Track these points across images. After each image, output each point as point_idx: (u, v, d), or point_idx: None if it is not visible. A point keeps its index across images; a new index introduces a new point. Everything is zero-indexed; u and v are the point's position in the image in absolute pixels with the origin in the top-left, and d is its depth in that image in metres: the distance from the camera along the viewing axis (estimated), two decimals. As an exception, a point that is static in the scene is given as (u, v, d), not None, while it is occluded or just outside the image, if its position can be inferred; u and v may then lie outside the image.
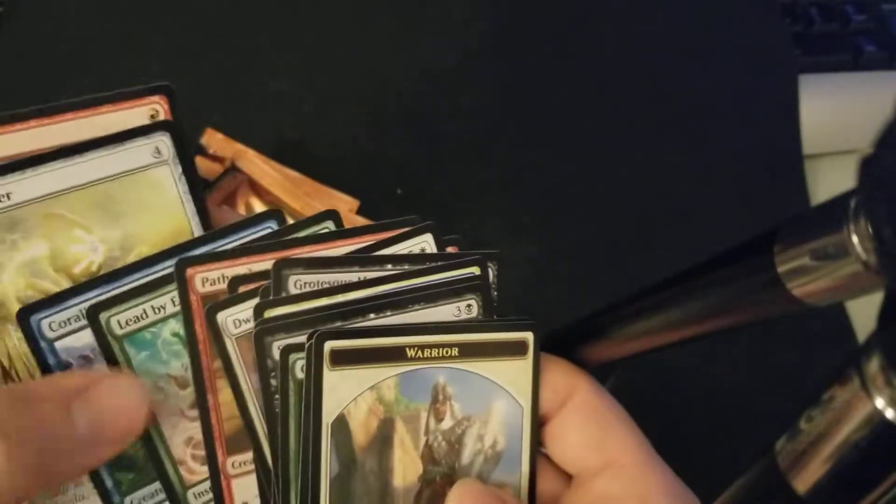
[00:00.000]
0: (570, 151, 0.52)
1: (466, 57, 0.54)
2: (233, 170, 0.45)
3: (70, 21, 0.53)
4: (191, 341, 0.25)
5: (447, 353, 0.26)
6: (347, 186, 0.49)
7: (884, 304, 0.18)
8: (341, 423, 0.25)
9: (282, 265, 0.25)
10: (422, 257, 0.27)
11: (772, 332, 0.47)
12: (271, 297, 0.25)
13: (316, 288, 0.26)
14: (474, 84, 0.53)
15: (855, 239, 0.18)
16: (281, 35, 0.54)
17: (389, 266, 0.27)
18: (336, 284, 0.26)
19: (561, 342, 0.38)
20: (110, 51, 0.52)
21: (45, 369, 0.24)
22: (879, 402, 0.18)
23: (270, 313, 0.25)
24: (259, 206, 0.45)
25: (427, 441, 0.26)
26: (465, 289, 0.27)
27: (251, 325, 0.25)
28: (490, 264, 0.28)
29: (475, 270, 0.27)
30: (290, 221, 0.45)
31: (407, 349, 0.25)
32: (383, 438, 0.26)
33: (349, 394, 0.25)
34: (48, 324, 0.24)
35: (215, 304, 0.25)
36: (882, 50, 0.56)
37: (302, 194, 0.46)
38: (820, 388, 0.19)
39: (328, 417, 0.25)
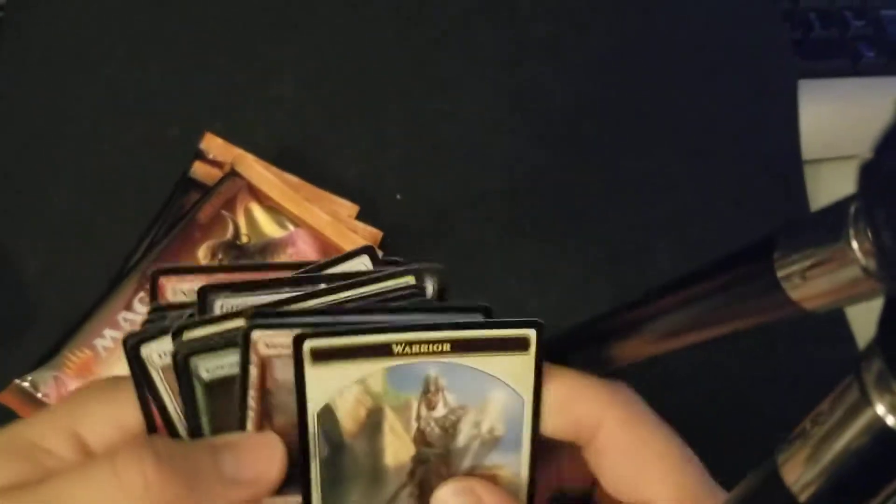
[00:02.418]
0: (570, 157, 0.52)
1: (467, 62, 0.54)
2: (232, 174, 0.45)
3: (69, 28, 0.53)
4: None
5: (438, 348, 0.25)
6: (347, 191, 0.49)
7: (884, 310, 0.18)
8: (328, 413, 0.25)
9: (208, 289, 0.25)
10: (355, 274, 0.27)
11: (771, 337, 0.47)
12: (194, 319, 0.25)
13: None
14: (474, 90, 0.53)
15: (855, 244, 0.18)
16: (281, 40, 0.54)
17: (323, 285, 0.26)
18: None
19: (560, 348, 0.38)
20: (110, 57, 0.52)
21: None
22: (880, 409, 0.17)
23: (189, 335, 0.25)
24: (259, 211, 0.45)
25: (419, 426, 0.26)
26: (398, 298, 0.26)
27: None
28: (429, 277, 0.27)
29: (410, 280, 0.27)
30: (290, 228, 0.45)
31: (393, 345, 0.25)
32: (373, 425, 0.26)
33: (334, 386, 0.25)
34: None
35: (139, 338, 0.25)
36: (881, 55, 0.56)
37: (301, 199, 0.46)
38: (819, 394, 0.19)
39: (314, 407, 0.25)
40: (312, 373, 0.24)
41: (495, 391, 0.26)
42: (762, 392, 0.45)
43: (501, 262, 0.48)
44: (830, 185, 0.53)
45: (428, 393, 0.26)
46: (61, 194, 0.47)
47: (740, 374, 0.46)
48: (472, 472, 0.27)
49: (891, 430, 0.17)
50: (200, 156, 0.47)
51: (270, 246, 0.44)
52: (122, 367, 0.25)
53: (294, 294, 0.26)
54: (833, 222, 0.19)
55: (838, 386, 0.19)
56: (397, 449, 0.26)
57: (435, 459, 0.26)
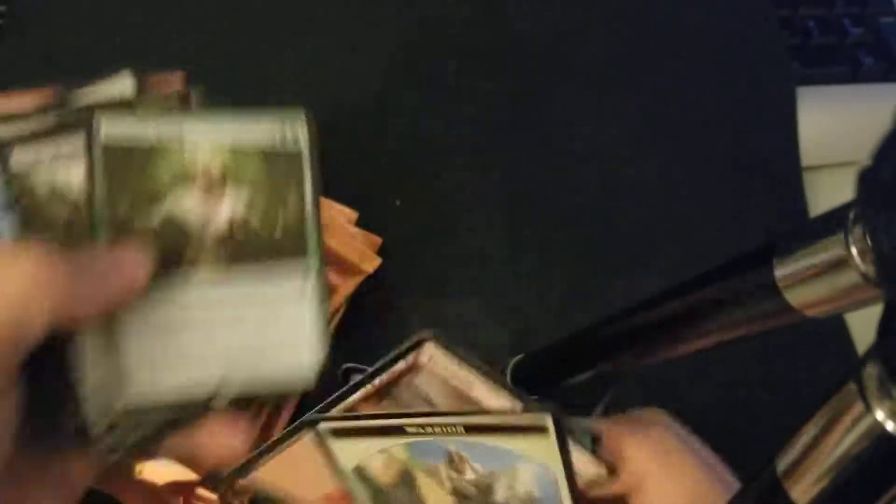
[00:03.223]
0: (569, 162, 0.52)
1: (466, 67, 0.54)
2: None
3: (69, 30, 0.53)
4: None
5: (452, 430, 0.25)
6: (346, 197, 0.49)
7: (883, 316, 0.18)
8: (362, 469, 0.25)
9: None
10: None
11: (770, 343, 0.47)
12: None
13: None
14: (473, 95, 0.53)
15: (854, 250, 0.18)
16: (281, 45, 0.54)
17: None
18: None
19: (559, 355, 0.38)
20: (110, 60, 0.52)
21: None
22: (879, 415, 0.17)
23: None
24: None
25: (454, 484, 0.26)
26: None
27: None
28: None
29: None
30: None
31: (406, 427, 0.25)
32: (407, 480, 0.26)
33: (361, 453, 0.25)
34: None
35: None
36: (880, 62, 0.56)
37: None
38: (819, 399, 0.19)
39: (348, 465, 0.25)
40: (337, 445, 0.25)
41: (522, 463, 0.26)
42: (761, 398, 0.45)
43: (500, 268, 0.48)
44: (829, 191, 0.53)
45: (453, 463, 0.26)
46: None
47: (740, 381, 0.46)
48: None
49: (891, 436, 0.17)
50: None
51: None
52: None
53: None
54: (832, 229, 0.19)
55: (838, 392, 0.19)
56: (437, 499, 0.26)
57: None
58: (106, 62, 0.53)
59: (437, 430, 0.25)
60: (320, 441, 0.26)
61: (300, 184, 0.26)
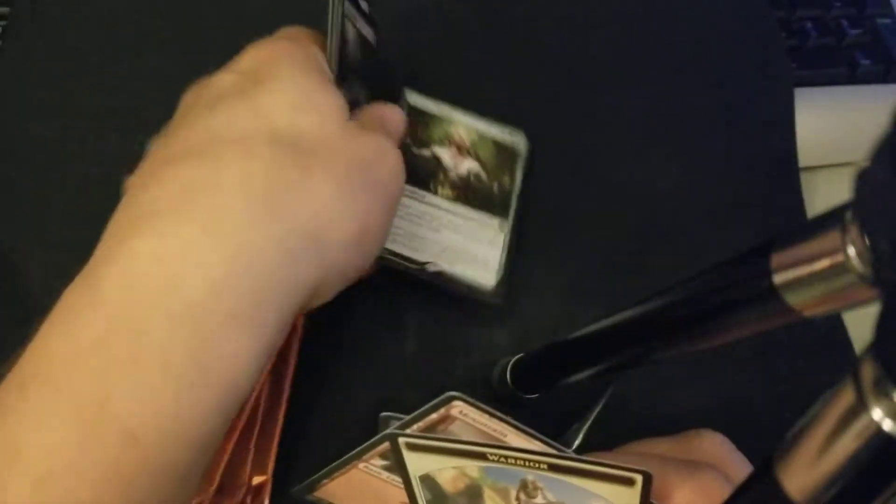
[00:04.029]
0: (566, 163, 0.52)
1: (464, 70, 0.54)
2: None
3: (71, 31, 0.53)
4: None
5: (533, 465, 0.25)
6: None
7: (880, 316, 0.18)
8: (429, 478, 0.26)
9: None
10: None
11: (768, 342, 0.47)
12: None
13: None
14: (470, 97, 0.53)
15: (851, 251, 0.19)
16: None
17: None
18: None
19: (558, 356, 0.38)
20: (113, 63, 0.52)
21: None
22: (876, 414, 0.18)
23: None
24: None
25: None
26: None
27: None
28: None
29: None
30: None
31: (488, 455, 0.25)
32: (473, 494, 0.26)
33: (433, 466, 0.26)
34: None
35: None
36: (877, 63, 0.56)
37: None
38: (816, 398, 0.19)
39: (416, 473, 0.25)
40: (410, 456, 0.26)
41: (595, 501, 0.26)
42: (759, 398, 0.45)
43: (500, 269, 0.49)
44: (827, 192, 0.53)
45: (527, 488, 0.26)
46: (63, 201, 0.47)
47: (736, 380, 0.46)
48: None
49: (887, 435, 0.17)
50: None
51: None
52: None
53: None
54: (829, 229, 0.19)
55: (835, 391, 0.19)
56: None
57: None
58: (109, 63, 0.53)
59: (520, 462, 0.25)
60: (396, 450, 0.26)
61: (513, 171, 0.42)
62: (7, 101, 0.50)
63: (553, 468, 0.25)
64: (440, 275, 0.37)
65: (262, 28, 0.55)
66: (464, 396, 0.27)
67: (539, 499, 0.26)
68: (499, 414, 0.27)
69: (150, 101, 0.51)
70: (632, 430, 0.44)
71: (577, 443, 0.42)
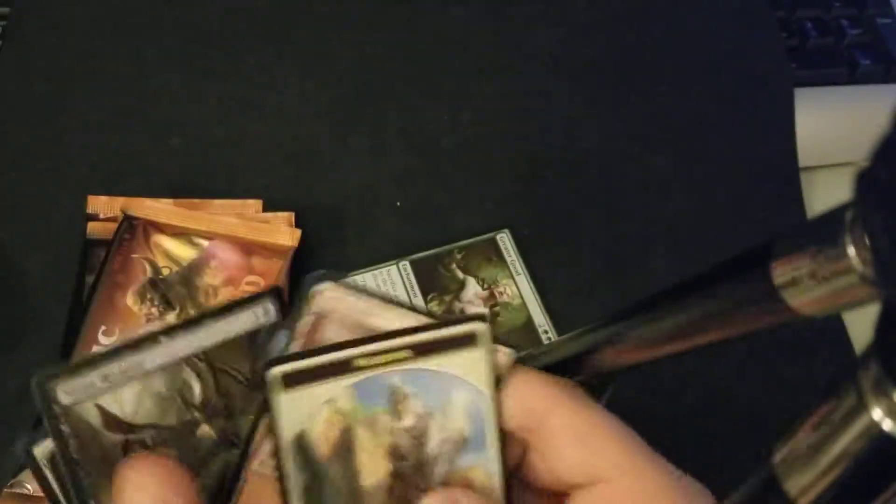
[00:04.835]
0: (568, 164, 0.52)
1: (466, 72, 0.54)
2: (126, 220, 0.45)
3: (72, 33, 0.53)
4: None
5: (399, 356, 0.26)
6: (347, 199, 0.49)
7: (881, 316, 0.18)
8: (301, 440, 0.25)
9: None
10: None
11: (768, 341, 0.47)
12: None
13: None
14: (474, 99, 0.53)
15: (851, 251, 0.19)
16: (282, 50, 0.54)
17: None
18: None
19: (557, 355, 0.38)
20: (114, 63, 0.52)
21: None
22: (876, 414, 0.18)
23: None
24: (167, 241, 0.45)
25: (391, 440, 0.27)
26: (257, 297, 0.27)
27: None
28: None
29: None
30: (204, 244, 0.44)
31: (357, 360, 0.26)
32: (346, 446, 0.26)
33: (305, 411, 0.25)
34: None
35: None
36: (877, 63, 0.56)
37: (203, 215, 0.45)
38: (816, 398, 0.19)
39: (288, 436, 0.25)
40: (284, 399, 0.25)
41: (456, 391, 0.27)
42: (758, 397, 0.45)
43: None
44: (826, 192, 0.53)
45: (396, 404, 0.26)
46: (64, 201, 0.47)
47: (736, 380, 0.46)
48: (447, 480, 0.27)
49: (888, 435, 0.17)
50: (92, 218, 0.46)
51: (193, 268, 0.44)
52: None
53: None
54: (830, 229, 0.19)
55: (835, 390, 0.19)
56: (373, 467, 0.26)
57: (410, 472, 0.27)
58: (110, 62, 0.53)
59: (386, 357, 0.26)
60: (269, 397, 0.25)
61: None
62: (7, 101, 0.50)
63: (415, 350, 0.26)
64: None
65: (262, 28, 0.55)
66: (330, 273, 0.27)
67: (408, 417, 0.27)
68: (363, 288, 0.27)
69: (151, 101, 0.51)
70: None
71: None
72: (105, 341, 0.42)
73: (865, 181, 0.17)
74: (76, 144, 0.49)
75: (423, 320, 0.27)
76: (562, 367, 0.37)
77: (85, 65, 0.52)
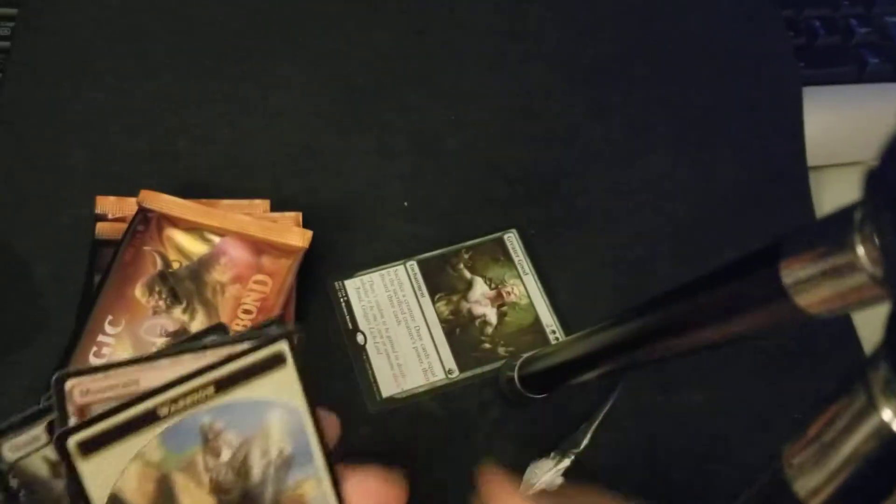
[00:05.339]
0: (574, 164, 0.52)
1: (472, 72, 0.54)
2: (142, 211, 0.45)
3: (77, 34, 0.53)
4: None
5: (203, 395, 0.25)
6: (354, 199, 0.49)
7: (890, 316, 0.18)
8: (116, 501, 0.25)
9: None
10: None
11: (777, 342, 0.47)
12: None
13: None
14: (479, 99, 0.53)
15: (861, 250, 0.18)
16: (287, 51, 0.54)
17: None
18: None
19: (564, 355, 0.38)
20: (119, 67, 0.52)
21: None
22: (887, 415, 0.17)
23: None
24: (180, 235, 0.44)
25: (211, 477, 0.26)
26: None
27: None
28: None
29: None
30: (215, 240, 0.44)
31: (158, 409, 0.25)
32: (166, 495, 0.25)
33: (113, 471, 0.25)
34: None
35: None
36: (886, 62, 0.56)
37: (216, 211, 0.45)
38: (826, 399, 0.19)
39: (101, 499, 0.24)
40: (86, 467, 0.24)
41: (270, 413, 0.27)
42: (767, 398, 0.45)
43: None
44: (835, 191, 0.53)
45: (209, 442, 0.26)
46: (70, 202, 0.47)
47: (745, 381, 0.46)
48: (277, 501, 0.27)
49: (898, 436, 0.17)
50: (101, 218, 0.46)
51: (203, 263, 0.44)
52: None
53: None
54: (838, 229, 0.19)
55: (845, 392, 0.19)
56: None
57: (240, 501, 0.27)
58: (116, 63, 0.53)
59: (190, 400, 0.25)
60: (71, 468, 0.24)
61: None
62: (16, 102, 0.50)
63: (220, 386, 0.25)
64: None
65: (269, 30, 0.55)
66: (70, 369, 0.25)
67: (225, 452, 0.26)
68: (113, 362, 0.25)
69: (156, 101, 0.51)
70: (639, 430, 0.44)
71: (585, 443, 0.42)
72: (111, 331, 0.42)
73: (874, 180, 0.17)
74: (83, 146, 0.50)
75: (221, 353, 0.26)
76: (570, 367, 0.37)
77: (91, 67, 0.52)
